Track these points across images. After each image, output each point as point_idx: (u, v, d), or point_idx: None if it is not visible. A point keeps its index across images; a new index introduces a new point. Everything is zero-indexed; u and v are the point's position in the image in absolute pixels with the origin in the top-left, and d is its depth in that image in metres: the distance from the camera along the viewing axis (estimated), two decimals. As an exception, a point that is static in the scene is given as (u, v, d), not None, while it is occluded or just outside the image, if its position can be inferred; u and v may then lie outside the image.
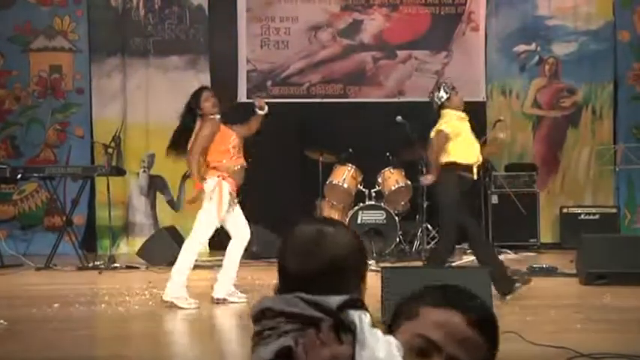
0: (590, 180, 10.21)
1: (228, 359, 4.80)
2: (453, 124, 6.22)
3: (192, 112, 6.23)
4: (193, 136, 6.12)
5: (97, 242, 9.76)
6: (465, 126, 6.29)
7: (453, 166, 6.15)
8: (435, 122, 6.39)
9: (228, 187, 6.10)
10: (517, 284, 6.07)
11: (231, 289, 6.23)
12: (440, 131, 6.18)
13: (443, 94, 6.34)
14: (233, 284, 6.26)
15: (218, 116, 6.20)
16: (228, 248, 6.33)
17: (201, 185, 6.08)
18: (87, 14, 9.97)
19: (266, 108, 6.41)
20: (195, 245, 6.18)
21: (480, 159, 6.38)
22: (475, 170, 6.33)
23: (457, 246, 8.90)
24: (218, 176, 6.08)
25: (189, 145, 6.12)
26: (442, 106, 6.35)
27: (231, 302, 6.15)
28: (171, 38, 10.09)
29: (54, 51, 9.99)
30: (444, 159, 6.18)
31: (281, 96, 10.14)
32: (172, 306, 5.98)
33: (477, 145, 6.34)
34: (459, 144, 6.18)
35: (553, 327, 5.22)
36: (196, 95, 6.29)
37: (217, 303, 6.15)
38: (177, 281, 6.08)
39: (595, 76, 10.21)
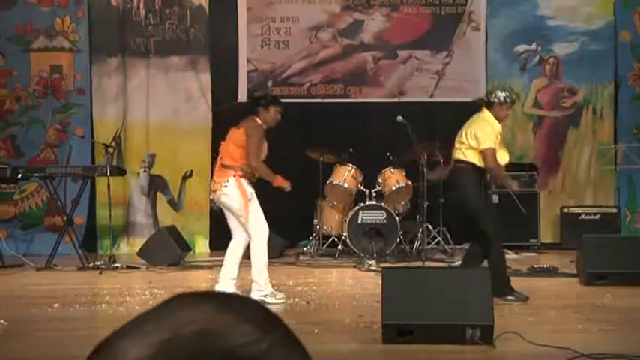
0: (591, 180, 10.21)
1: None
2: (489, 134, 6.10)
3: (253, 107, 6.30)
4: (246, 142, 6.10)
5: (98, 242, 9.76)
6: (497, 137, 6.18)
7: (479, 169, 6.17)
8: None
9: (246, 182, 6.14)
10: (511, 297, 6.03)
11: (232, 289, 6.23)
12: (487, 149, 6.05)
13: (501, 95, 6.20)
14: (234, 284, 6.27)
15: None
16: (229, 247, 6.34)
17: (281, 180, 6.20)
18: (88, 14, 9.97)
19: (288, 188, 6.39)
20: (260, 241, 6.17)
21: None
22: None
23: (458, 246, 8.95)
24: (234, 175, 6.09)
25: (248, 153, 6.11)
26: (489, 106, 6.21)
27: None
28: (171, 38, 10.09)
29: (55, 51, 9.99)
30: (462, 156, 6.18)
31: (281, 96, 10.06)
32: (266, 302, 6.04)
33: (504, 154, 6.33)
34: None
35: (553, 327, 5.22)
36: (273, 101, 6.38)
37: None
38: (261, 280, 6.16)
39: (596, 77, 10.21)
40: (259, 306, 0.72)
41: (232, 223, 6.29)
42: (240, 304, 0.70)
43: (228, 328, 0.66)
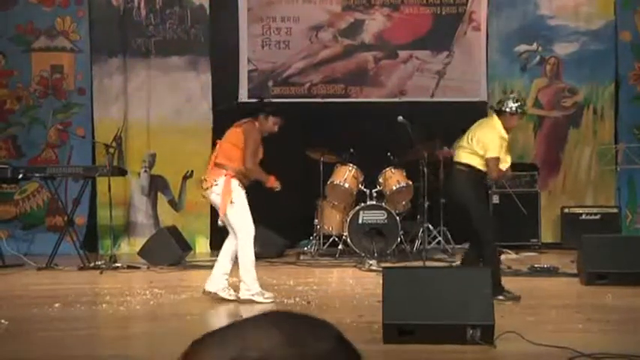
0: (592, 180, 10.21)
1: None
2: (498, 144, 6.11)
3: (255, 112, 6.37)
4: (244, 143, 6.16)
5: (99, 242, 9.76)
6: (503, 144, 6.19)
7: (478, 172, 6.17)
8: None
9: (237, 182, 6.15)
10: (501, 297, 6.02)
11: (224, 284, 6.25)
12: (492, 159, 6.08)
13: (513, 106, 6.16)
14: (226, 280, 6.28)
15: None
16: (223, 246, 6.36)
17: (273, 180, 6.28)
18: (88, 14, 9.97)
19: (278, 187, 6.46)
20: (245, 241, 6.17)
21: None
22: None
23: (458, 246, 8.95)
24: (225, 175, 6.11)
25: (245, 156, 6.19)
26: (500, 114, 6.18)
27: (221, 297, 6.18)
28: (172, 38, 10.09)
29: (55, 51, 9.99)
30: (465, 159, 6.18)
31: (282, 96, 10.14)
32: (252, 302, 6.10)
33: (507, 158, 6.32)
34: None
35: (554, 327, 5.23)
36: (275, 112, 6.45)
37: (207, 295, 6.19)
38: (248, 280, 6.16)
39: (596, 76, 10.21)
40: (333, 341, 0.74)
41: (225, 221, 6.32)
42: (309, 337, 0.73)
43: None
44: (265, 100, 6.57)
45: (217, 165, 6.20)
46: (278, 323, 0.76)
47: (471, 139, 6.17)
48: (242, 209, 6.15)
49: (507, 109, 6.14)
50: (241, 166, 6.18)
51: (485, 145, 6.09)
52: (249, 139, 6.17)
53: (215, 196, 6.16)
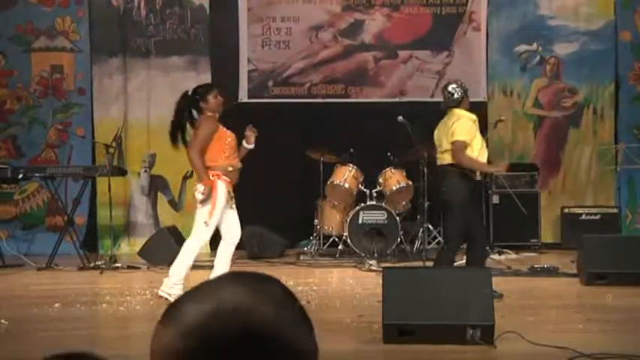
0: (592, 180, 10.21)
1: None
2: (468, 129, 6.11)
3: (194, 105, 6.20)
4: (194, 134, 6.11)
5: (99, 242, 9.76)
6: (476, 128, 6.22)
7: (463, 167, 6.15)
8: (439, 120, 6.38)
9: (223, 186, 6.10)
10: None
11: None
12: (458, 142, 6.05)
13: (458, 94, 6.24)
14: None
15: (217, 115, 6.20)
16: (218, 249, 6.34)
17: (211, 181, 6.06)
18: (88, 14, 9.97)
19: (253, 145, 6.34)
20: (195, 245, 6.18)
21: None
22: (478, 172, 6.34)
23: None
24: (212, 175, 6.08)
25: (189, 142, 6.12)
26: (454, 106, 6.27)
27: None
28: (172, 38, 10.09)
29: (55, 51, 9.99)
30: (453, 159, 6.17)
31: (282, 96, 10.15)
32: (167, 301, 6.00)
33: (485, 147, 6.31)
34: (472, 147, 6.11)
35: (554, 327, 5.23)
36: (205, 89, 6.26)
37: None
38: (174, 280, 6.13)
39: (596, 77, 10.21)
40: (281, 288, 0.99)
41: (222, 224, 6.29)
42: (266, 286, 0.98)
43: (254, 308, 0.93)
44: (189, 92, 6.39)
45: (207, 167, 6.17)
46: (240, 280, 0.98)
47: (450, 140, 6.16)
48: (213, 219, 6.09)
49: (460, 95, 6.23)
50: (224, 162, 6.13)
51: (454, 132, 6.09)
52: (198, 129, 6.11)
53: (198, 194, 6.10)
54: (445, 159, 6.23)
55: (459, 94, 6.25)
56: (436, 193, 6.60)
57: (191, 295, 0.98)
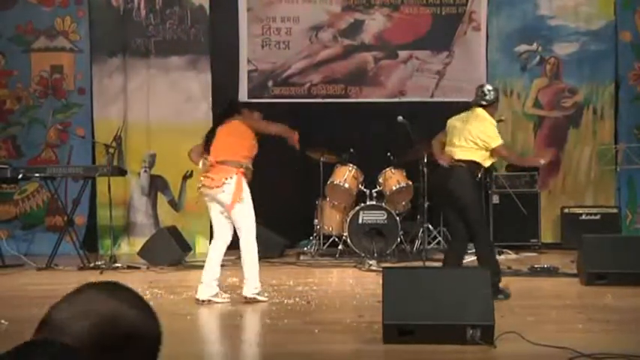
0: (592, 180, 10.21)
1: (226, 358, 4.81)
2: (497, 131, 6.32)
3: (235, 109, 6.47)
4: (250, 128, 6.27)
5: (98, 242, 9.77)
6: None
7: (473, 164, 6.20)
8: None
9: (244, 180, 6.17)
10: (500, 296, 6.05)
11: (216, 290, 6.23)
12: (499, 146, 6.26)
13: (491, 96, 6.39)
14: (217, 285, 6.27)
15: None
16: (211, 253, 6.31)
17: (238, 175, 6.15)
18: (88, 14, 9.97)
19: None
20: (254, 240, 6.20)
21: None
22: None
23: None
24: (237, 172, 6.10)
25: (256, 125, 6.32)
26: (483, 105, 6.37)
27: (216, 302, 6.17)
28: (172, 38, 10.09)
29: (55, 51, 9.99)
30: (467, 156, 6.20)
31: (282, 96, 10.15)
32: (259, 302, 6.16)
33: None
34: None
35: (554, 327, 5.22)
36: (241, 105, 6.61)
37: (202, 304, 6.17)
38: (254, 282, 6.21)
39: (596, 77, 10.21)
40: (131, 291, 1.33)
41: (218, 223, 6.28)
42: (125, 294, 1.32)
43: (119, 313, 1.27)
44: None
45: (223, 162, 6.16)
46: (103, 292, 1.30)
47: (467, 138, 6.22)
48: (250, 209, 6.16)
49: (493, 98, 6.38)
50: (247, 159, 6.18)
51: (488, 137, 6.22)
52: (253, 125, 6.30)
53: (223, 194, 6.09)
54: (456, 154, 6.25)
55: (492, 96, 6.39)
56: (440, 188, 6.59)
57: (66, 300, 1.29)
